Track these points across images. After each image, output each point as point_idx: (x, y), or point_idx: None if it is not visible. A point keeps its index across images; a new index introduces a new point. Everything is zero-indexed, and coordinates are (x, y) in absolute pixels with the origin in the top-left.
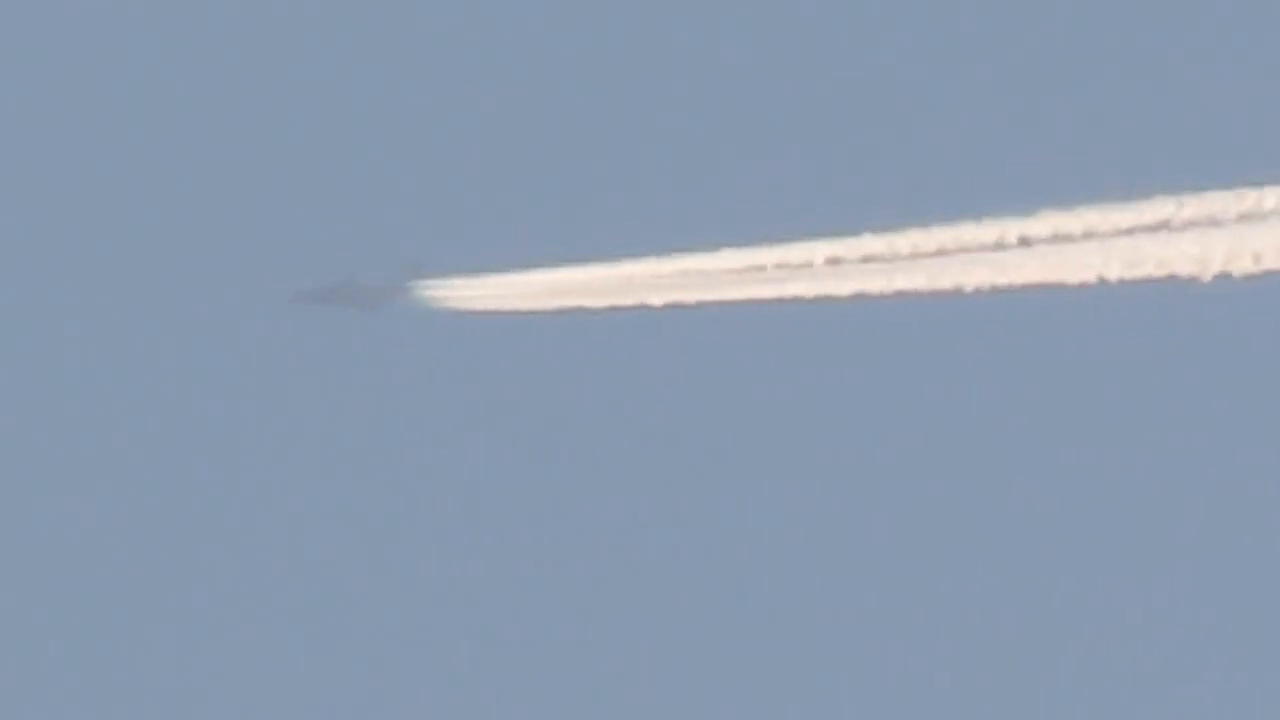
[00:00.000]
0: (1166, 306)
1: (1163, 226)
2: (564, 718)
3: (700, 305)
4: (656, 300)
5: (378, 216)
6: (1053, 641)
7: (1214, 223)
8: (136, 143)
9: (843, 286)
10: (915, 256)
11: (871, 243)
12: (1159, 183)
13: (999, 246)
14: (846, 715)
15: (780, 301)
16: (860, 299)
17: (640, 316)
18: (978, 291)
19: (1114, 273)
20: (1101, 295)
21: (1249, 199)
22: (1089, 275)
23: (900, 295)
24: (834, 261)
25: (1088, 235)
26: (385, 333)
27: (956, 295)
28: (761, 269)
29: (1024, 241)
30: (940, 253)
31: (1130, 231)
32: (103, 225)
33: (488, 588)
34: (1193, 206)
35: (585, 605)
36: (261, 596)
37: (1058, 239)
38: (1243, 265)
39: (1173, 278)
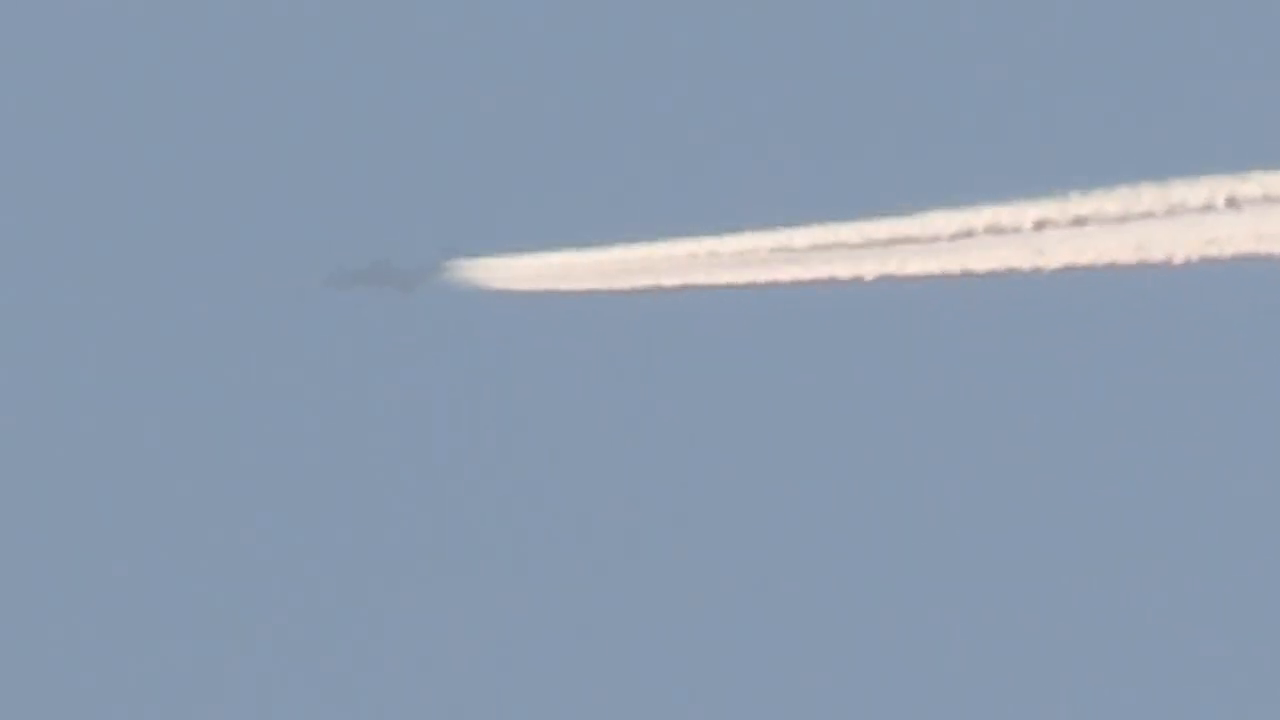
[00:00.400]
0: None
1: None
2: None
3: (739, 286)
4: (694, 281)
5: (412, 198)
6: (1068, 640)
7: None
8: (170, 126)
9: (876, 268)
10: (955, 237)
11: (900, 225)
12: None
13: (1039, 227)
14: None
15: (817, 283)
16: (887, 280)
17: (678, 297)
18: (1013, 273)
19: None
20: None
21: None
22: (1135, 255)
23: (932, 277)
24: (866, 244)
25: (1126, 217)
26: (420, 314)
27: (993, 277)
28: (797, 250)
29: (1057, 223)
30: (970, 234)
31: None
32: (135, 209)
33: (520, 569)
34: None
35: (616, 588)
36: (294, 583)
37: (1093, 220)
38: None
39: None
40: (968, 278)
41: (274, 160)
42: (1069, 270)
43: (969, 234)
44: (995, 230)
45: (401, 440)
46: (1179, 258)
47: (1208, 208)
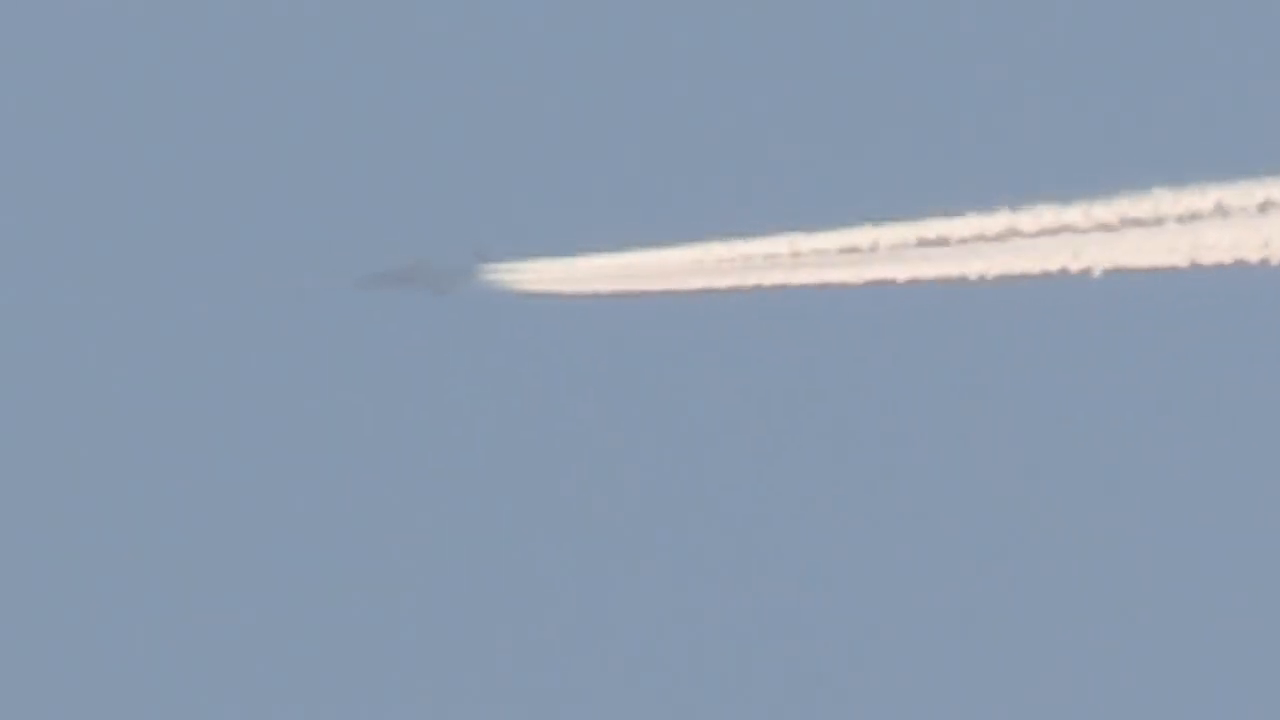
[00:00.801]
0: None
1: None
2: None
3: (766, 288)
4: (724, 283)
5: (446, 202)
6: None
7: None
8: (209, 127)
9: (907, 271)
10: (1001, 238)
11: (935, 227)
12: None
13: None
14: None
15: (847, 286)
16: (917, 284)
17: (709, 300)
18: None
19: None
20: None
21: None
22: (1159, 260)
23: (965, 281)
24: (898, 246)
25: (1161, 220)
26: (453, 316)
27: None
28: (828, 253)
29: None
30: (1013, 235)
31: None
32: (176, 210)
33: (560, 564)
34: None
35: (657, 579)
36: (327, 576)
37: (1128, 223)
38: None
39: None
40: (1007, 281)
41: (311, 164)
42: (1114, 273)
43: (1010, 236)
44: (1042, 232)
45: (434, 439)
46: (1229, 259)
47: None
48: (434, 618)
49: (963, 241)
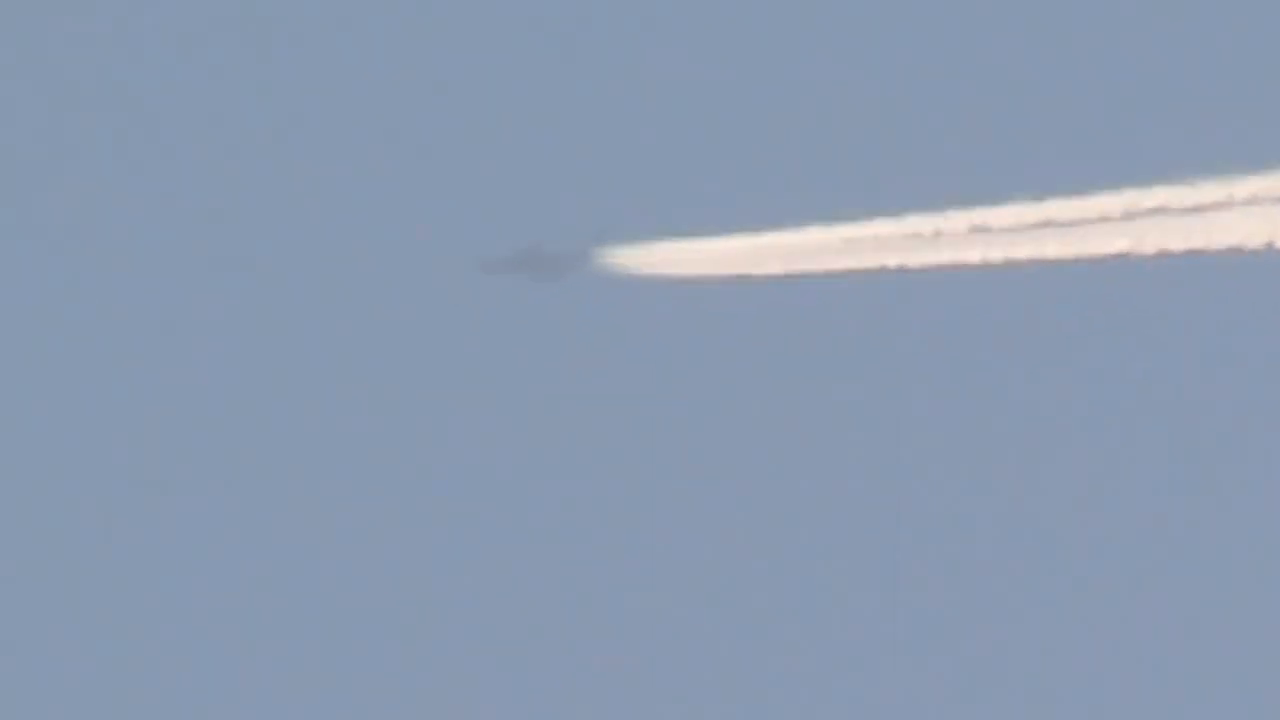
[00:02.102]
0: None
1: None
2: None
3: (888, 270)
4: (847, 265)
5: (564, 183)
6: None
7: None
8: (322, 110)
9: (1011, 252)
10: (1081, 222)
11: (1029, 211)
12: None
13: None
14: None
15: (969, 268)
16: (1011, 266)
17: (830, 282)
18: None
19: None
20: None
21: None
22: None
23: (1064, 261)
24: (1007, 228)
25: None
26: (571, 300)
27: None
28: (956, 234)
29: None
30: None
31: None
32: (290, 197)
33: (677, 551)
34: None
35: (779, 564)
36: (448, 560)
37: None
38: None
39: None
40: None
41: (426, 146)
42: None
43: (1121, 217)
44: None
45: (550, 425)
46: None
47: None
48: (561, 608)
49: (1076, 224)
